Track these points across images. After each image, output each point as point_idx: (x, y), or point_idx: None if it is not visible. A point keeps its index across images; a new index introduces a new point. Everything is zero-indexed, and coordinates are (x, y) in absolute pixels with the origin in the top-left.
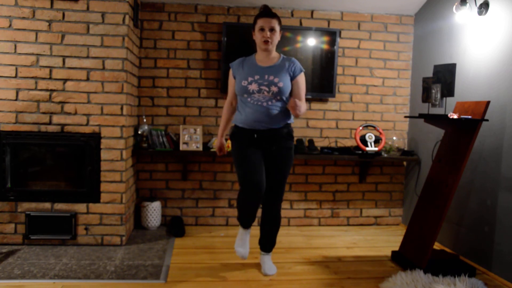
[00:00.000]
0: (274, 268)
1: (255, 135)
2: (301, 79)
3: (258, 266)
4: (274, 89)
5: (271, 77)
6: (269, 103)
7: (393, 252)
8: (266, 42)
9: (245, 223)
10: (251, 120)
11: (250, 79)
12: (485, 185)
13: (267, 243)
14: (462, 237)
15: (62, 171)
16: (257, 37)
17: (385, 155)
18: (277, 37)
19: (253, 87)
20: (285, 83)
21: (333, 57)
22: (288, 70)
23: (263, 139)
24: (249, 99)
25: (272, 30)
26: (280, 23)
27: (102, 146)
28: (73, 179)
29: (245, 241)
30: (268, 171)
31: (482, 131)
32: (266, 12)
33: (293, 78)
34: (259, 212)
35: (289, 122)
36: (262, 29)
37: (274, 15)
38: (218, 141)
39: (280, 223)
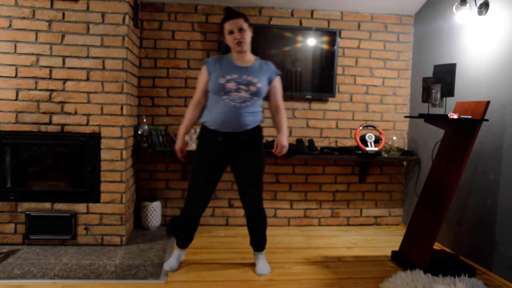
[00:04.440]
0: (267, 267)
1: (221, 139)
2: (278, 83)
3: None
4: (252, 88)
5: (250, 77)
6: (242, 104)
7: (393, 252)
8: (239, 43)
9: (183, 240)
10: (220, 121)
11: (228, 77)
12: (485, 185)
13: (257, 243)
14: (462, 237)
15: (62, 171)
16: (229, 40)
17: (385, 155)
18: (248, 35)
19: (231, 85)
20: (263, 84)
21: (333, 57)
22: (266, 73)
23: (230, 143)
24: (224, 97)
25: (241, 29)
26: (247, 20)
27: (102, 146)
28: (73, 179)
29: (178, 259)
30: (241, 175)
31: (482, 131)
32: (230, 14)
33: (270, 81)
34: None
35: (258, 124)
36: (231, 32)
37: (239, 15)
38: (180, 142)
39: (265, 221)
